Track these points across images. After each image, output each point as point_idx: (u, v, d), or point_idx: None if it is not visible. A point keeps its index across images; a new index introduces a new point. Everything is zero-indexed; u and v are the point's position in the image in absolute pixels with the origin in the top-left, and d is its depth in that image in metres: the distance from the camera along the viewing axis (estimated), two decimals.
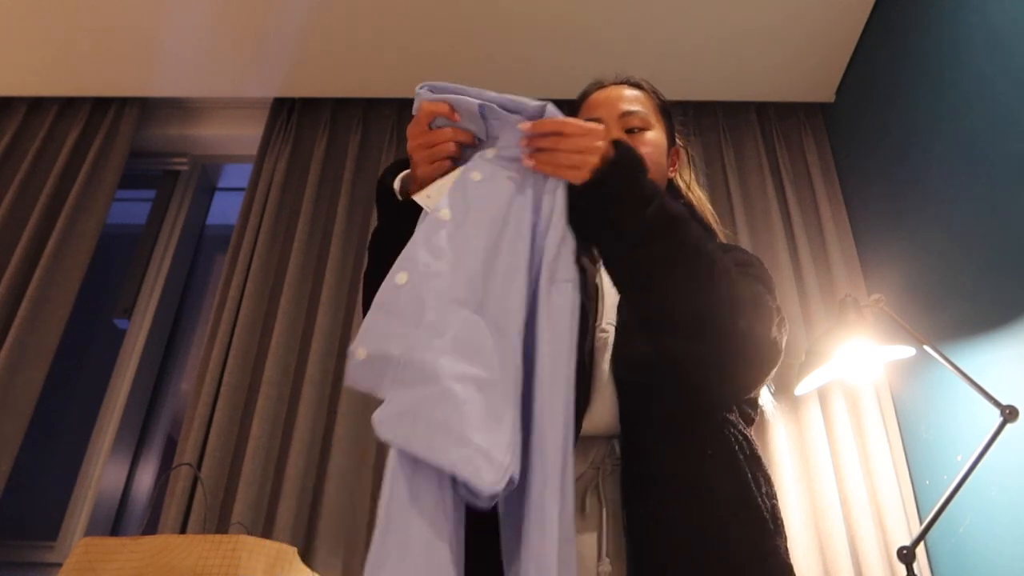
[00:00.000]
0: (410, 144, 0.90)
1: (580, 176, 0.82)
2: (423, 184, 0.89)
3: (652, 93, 1.16)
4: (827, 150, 2.40)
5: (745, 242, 2.18)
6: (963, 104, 1.70)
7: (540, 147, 0.83)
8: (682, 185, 1.20)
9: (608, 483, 0.88)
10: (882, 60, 2.13)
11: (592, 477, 0.89)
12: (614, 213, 0.82)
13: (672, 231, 0.83)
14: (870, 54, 2.20)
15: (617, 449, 0.89)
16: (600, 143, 0.83)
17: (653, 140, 1.09)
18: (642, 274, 0.84)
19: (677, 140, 1.19)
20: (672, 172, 1.17)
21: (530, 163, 0.84)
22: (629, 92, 1.12)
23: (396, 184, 0.95)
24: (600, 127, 0.86)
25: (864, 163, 2.21)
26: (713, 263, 0.84)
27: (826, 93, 2.43)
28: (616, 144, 0.85)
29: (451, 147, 0.88)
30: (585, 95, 1.17)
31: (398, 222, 0.89)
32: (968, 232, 1.64)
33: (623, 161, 0.84)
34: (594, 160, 0.82)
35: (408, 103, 2.53)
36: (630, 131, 1.08)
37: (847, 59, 2.31)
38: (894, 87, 2.04)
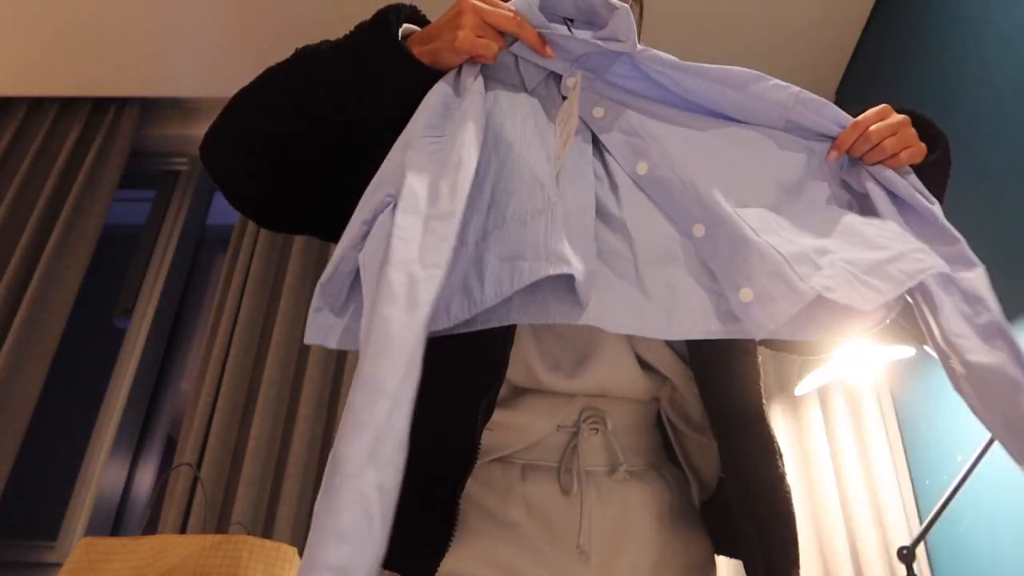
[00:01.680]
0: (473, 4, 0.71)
1: (918, 154, 0.79)
2: (434, 55, 0.71)
3: None
4: None
5: None
6: (963, 103, 1.70)
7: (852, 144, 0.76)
8: None
9: (587, 453, 0.75)
10: (883, 59, 2.12)
11: (566, 443, 0.75)
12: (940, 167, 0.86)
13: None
14: (871, 53, 2.20)
15: (585, 415, 0.75)
16: (896, 119, 0.78)
17: None
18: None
19: None
20: None
21: (878, 158, 0.76)
22: None
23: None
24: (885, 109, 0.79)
25: None
26: None
27: (826, 92, 2.43)
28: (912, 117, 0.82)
29: (499, 42, 0.72)
30: None
31: (390, 73, 0.72)
32: (968, 232, 1.63)
33: (927, 124, 0.85)
34: (909, 133, 0.78)
35: None
36: None
37: (848, 58, 2.31)
38: (894, 87, 2.04)
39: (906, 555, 1.48)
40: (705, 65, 0.75)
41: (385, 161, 0.65)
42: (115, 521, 2.09)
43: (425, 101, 0.68)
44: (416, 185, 0.58)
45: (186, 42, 2.31)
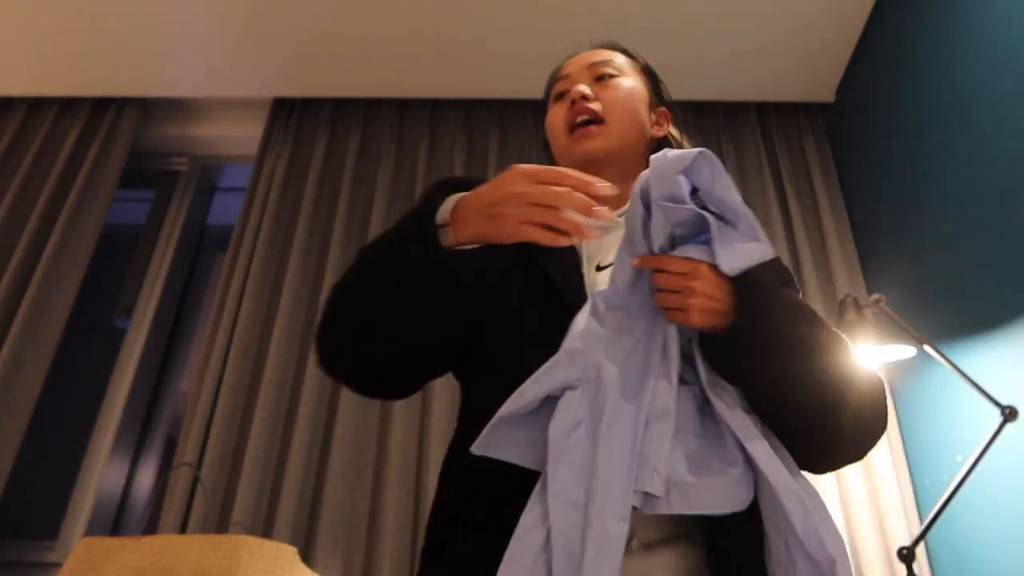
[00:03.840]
0: (519, 185, 0.69)
1: (687, 319, 0.72)
2: (477, 238, 0.73)
3: (632, 56, 1.08)
4: (827, 150, 2.40)
5: None
6: (963, 104, 1.70)
7: (661, 287, 0.74)
8: (675, 144, 1.06)
9: None
10: (882, 60, 2.13)
11: None
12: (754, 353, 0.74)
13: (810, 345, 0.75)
14: (870, 54, 2.20)
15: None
16: (696, 283, 0.71)
17: (627, 86, 0.99)
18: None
19: (667, 104, 1.09)
20: (659, 131, 1.05)
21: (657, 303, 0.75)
22: (602, 51, 1.05)
23: (439, 218, 0.75)
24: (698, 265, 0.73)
25: (864, 163, 2.21)
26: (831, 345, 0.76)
27: (826, 93, 2.43)
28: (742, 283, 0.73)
29: (567, 227, 0.68)
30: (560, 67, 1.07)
31: (419, 263, 0.74)
32: (968, 232, 1.64)
33: (751, 305, 0.73)
34: (695, 302, 0.71)
35: (408, 102, 2.55)
36: (600, 78, 0.99)
37: (847, 59, 2.31)
38: (894, 87, 2.04)
39: (906, 555, 1.48)
40: None
41: (573, 340, 0.74)
42: (115, 521, 2.09)
43: (584, 326, 0.76)
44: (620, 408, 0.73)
45: (186, 42, 2.31)
